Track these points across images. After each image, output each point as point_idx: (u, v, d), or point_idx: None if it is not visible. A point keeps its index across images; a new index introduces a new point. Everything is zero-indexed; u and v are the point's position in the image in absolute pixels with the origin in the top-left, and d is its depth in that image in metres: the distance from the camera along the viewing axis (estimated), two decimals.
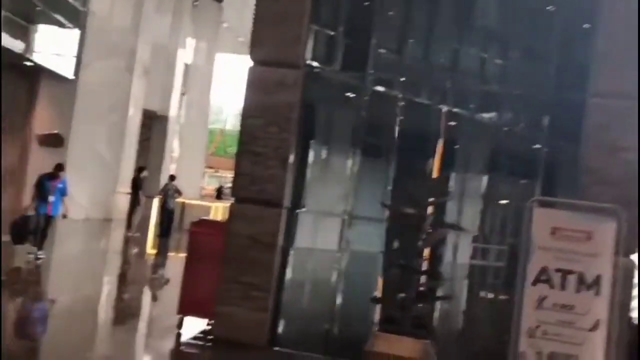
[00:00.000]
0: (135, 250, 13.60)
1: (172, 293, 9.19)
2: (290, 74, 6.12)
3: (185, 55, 23.59)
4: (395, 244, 5.28)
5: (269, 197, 6.14)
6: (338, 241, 7.28)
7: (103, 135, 17.52)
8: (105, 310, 7.82)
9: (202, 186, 27.93)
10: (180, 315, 6.32)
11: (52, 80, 16.92)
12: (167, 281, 10.42)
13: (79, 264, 10.93)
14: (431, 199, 4.84)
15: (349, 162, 7.25)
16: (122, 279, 10.46)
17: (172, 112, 22.38)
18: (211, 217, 16.22)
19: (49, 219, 9.73)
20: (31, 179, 14.55)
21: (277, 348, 6.14)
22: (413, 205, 4.84)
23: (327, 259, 7.63)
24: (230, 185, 30.25)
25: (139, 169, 15.74)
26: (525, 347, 4.63)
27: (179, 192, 15.38)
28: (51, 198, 9.61)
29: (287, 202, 6.24)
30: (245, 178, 6.20)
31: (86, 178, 15.13)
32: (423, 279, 4.93)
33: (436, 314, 6.29)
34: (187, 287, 6.30)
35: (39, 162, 15.69)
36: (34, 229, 9.51)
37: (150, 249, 13.65)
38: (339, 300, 7.86)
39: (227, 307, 5.99)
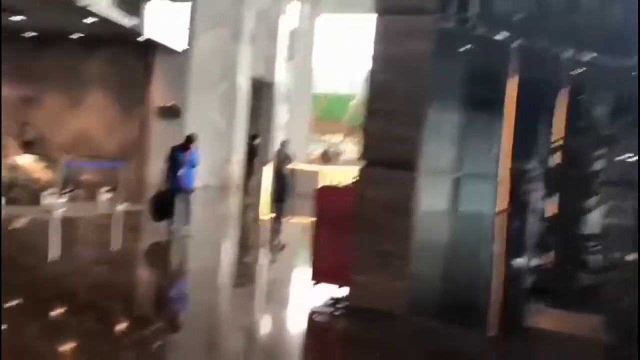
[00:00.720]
0: (252, 216, 13.82)
1: (290, 258, 9.19)
2: (420, 21, 5.57)
3: (288, 20, 23.39)
4: (554, 208, 4.69)
5: (401, 159, 5.72)
6: (455, 202, 6.75)
7: (215, 105, 17.86)
8: (232, 277, 7.88)
9: (309, 151, 27.98)
10: (314, 282, 6.15)
11: (166, 54, 17.42)
12: (283, 247, 10.43)
13: (203, 231, 11.21)
14: (599, 154, 4.20)
15: (463, 118, 6.60)
16: (244, 245, 10.60)
17: (278, 78, 22.40)
18: (319, 181, 16.15)
19: (187, 192, 9.37)
20: (154, 152, 15.18)
21: (412, 317, 5.79)
22: (576, 162, 4.24)
23: (446, 222, 7.15)
24: (333, 149, 29.81)
25: (252, 137, 15.88)
26: None
27: (290, 159, 15.37)
28: (183, 170, 9.26)
29: (421, 163, 5.79)
30: (375, 139, 5.81)
31: (203, 147, 15.46)
32: (588, 246, 4.34)
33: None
34: (319, 254, 6.11)
35: (159, 134, 16.32)
36: (170, 202, 9.22)
37: (266, 215, 13.81)
38: (465, 265, 7.36)
39: (364, 275, 5.72)
